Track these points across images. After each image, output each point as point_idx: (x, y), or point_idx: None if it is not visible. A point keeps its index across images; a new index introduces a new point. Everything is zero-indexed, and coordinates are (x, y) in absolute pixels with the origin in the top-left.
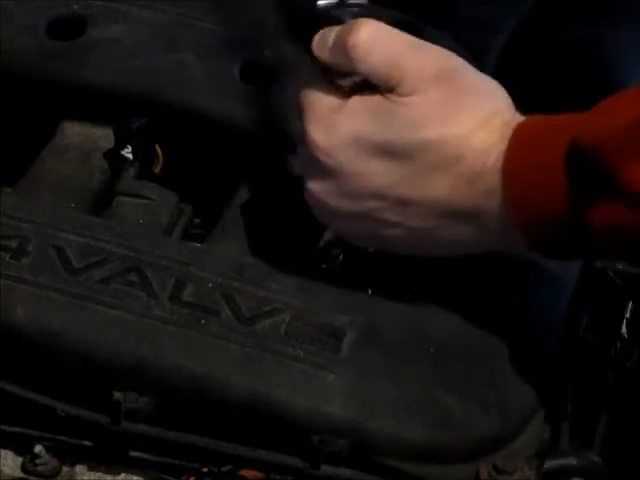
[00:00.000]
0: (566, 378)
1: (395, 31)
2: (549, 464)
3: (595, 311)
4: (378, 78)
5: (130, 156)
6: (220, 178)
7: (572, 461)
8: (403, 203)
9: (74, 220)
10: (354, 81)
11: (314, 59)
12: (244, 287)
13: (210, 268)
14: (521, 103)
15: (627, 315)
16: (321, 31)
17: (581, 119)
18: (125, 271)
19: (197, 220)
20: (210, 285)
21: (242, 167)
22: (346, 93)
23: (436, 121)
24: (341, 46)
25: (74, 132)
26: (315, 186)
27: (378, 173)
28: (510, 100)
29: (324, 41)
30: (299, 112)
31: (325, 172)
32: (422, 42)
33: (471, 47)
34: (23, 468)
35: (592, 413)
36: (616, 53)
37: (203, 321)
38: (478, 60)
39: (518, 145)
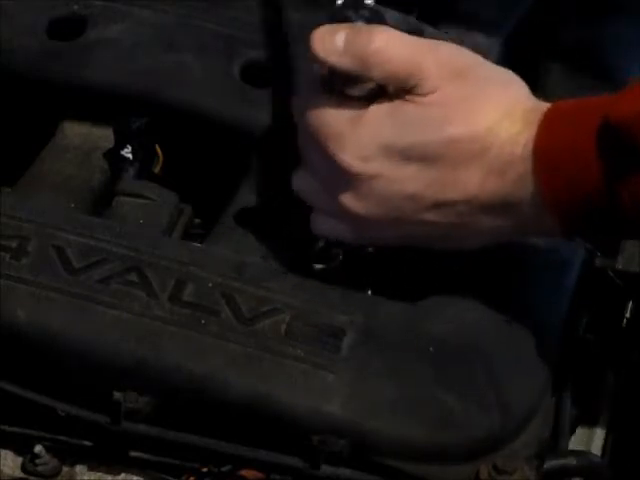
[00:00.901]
0: (566, 378)
1: (405, 35)
2: (549, 464)
3: (595, 311)
4: (397, 81)
5: (130, 156)
6: (220, 178)
7: (572, 461)
8: (439, 203)
9: (74, 220)
10: (369, 88)
11: (313, 61)
12: (244, 287)
13: (210, 268)
14: None
15: (627, 315)
16: (317, 34)
17: (611, 100)
18: (125, 271)
19: (197, 220)
20: (210, 285)
21: (242, 167)
22: (359, 103)
23: (459, 117)
24: (357, 53)
25: (74, 132)
26: (348, 200)
27: (411, 177)
28: (527, 88)
29: (329, 45)
30: (308, 133)
31: (359, 183)
32: (436, 41)
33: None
34: (23, 468)
35: (592, 413)
36: (616, 53)
37: (203, 321)
38: None
39: (548, 128)
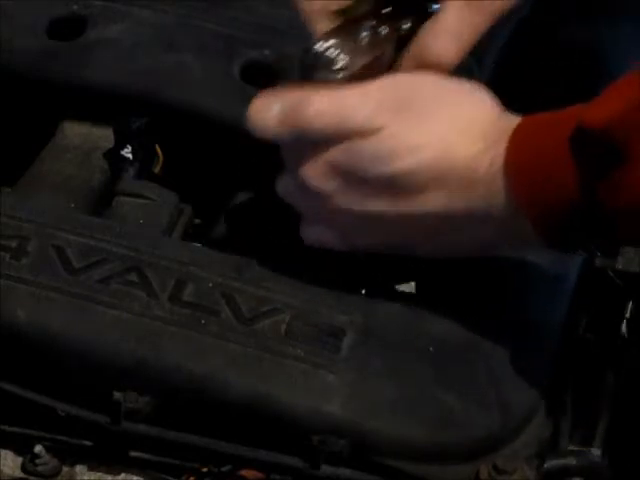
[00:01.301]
0: (566, 378)
1: (335, 91)
2: (549, 464)
3: (595, 311)
4: (339, 137)
5: (130, 156)
6: (220, 178)
7: (572, 461)
8: (405, 219)
9: (74, 220)
10: None
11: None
12: (244, 287)
13: (210, 268)
14: (521, 103)
15: (627, 315)
16: (254, 106)
17: (583, 107)
18: (125, 271)
19: (197, 220)
20: (210, 285)
21: (242, 167)
22: None
23: (406, 150)
24: (292, 124)
25: (74, 132)
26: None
27: (372, 199)
28: (490, 103)
29: (266, 118)
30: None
31: (322, 197)
32: (369, 85)
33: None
34: (23, 468)
35: (592, 413)
36: (616, 53)
37: (203, 321)
38: (478, 60)
39: (518, 144)
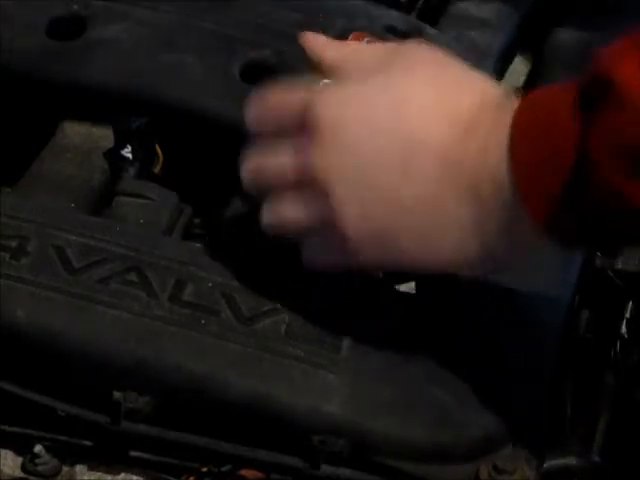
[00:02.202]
0: (566, 378)
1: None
2: (549, 464)
3: (595, 311)
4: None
5: (130, 156)
6: (220, 178)
7: (572, 461)
8: (406, 167)
9: (74, 220)
10: None
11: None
12: (244, 287)
13: (210, 268)
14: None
15: (627, 315)
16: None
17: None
18: (125, 271)
19: (197, 220)
20: (210, 285)
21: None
22: None
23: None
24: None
25: (74, 132)
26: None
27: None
28: (494, 90)
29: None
30: None
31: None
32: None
33: (471, 47)
34: (23, 468)
35: (592, 413)
36: None
37: (203, 321)
38: (479, 60)
39: (523, 112)
